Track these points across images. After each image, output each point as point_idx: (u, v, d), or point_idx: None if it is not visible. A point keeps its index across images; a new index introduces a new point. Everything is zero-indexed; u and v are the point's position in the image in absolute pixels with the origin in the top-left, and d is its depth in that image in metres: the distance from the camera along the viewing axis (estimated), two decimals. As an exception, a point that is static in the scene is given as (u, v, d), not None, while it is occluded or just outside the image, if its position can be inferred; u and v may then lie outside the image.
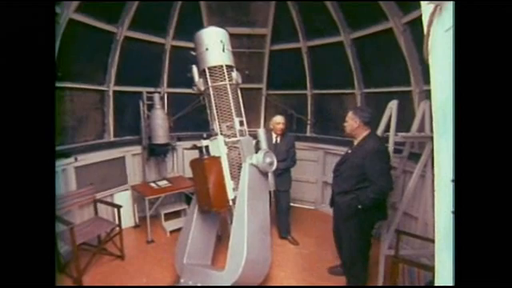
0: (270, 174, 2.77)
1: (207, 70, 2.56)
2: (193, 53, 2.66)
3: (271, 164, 2.58)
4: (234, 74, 2.59)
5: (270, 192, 3.56)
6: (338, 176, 2.71)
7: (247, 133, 2.73)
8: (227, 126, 2.64)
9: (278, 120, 3.60)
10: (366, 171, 2.41)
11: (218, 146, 2.61)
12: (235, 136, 2.64)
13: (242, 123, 2.66)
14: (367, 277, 2.86)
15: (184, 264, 2.73)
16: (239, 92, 2.67)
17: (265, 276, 2.65)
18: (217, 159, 2.60)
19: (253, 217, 2.47)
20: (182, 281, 2.67)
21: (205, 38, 2.53)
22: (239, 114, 2.67)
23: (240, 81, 2.63)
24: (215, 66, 2.53)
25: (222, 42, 2.47)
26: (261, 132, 2.82)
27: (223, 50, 2.49)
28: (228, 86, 2.53)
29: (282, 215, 3.86)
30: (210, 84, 2.59)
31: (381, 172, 2.39)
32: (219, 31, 2.56)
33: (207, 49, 2.52)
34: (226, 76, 2.51)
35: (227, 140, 2.62)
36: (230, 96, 2.56)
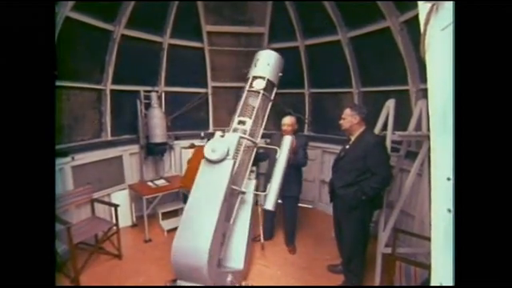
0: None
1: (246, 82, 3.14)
2: None
3: (214, 151, 2.56)
4: (257, 81, 3.00)
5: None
6: (338, 170, 2.79)
7: (247, 133, 2.86)
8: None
9: (283, 122, 3.57)
10: (368, 163, 2.53)
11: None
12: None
13: (241, 122, 2.89)
14: (364, 274, 2.90)
15: None
16: (259, 97, 2.96)
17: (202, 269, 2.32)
18: (201, 148, 2.80)
19: (195, 208, 2.50)
20: None
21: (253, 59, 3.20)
22: (245, 116, 2.92)
23: (260, 87, 2.98)
24: (247, 78, 3.12)
25: (257, 60, 3.10)
26: (286, 139, 2.97)
27: (255, 66, 3.10)
28: (246, 91, 3.02)
29: (287, 224, 3.72)
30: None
31: (382, 163, 2.54)
32: (260, 53, 3.17)
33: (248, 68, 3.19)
34: (249, 83, 3.05)
35: (221, 134, 2.83)
36: (243, 99, 2.99)
